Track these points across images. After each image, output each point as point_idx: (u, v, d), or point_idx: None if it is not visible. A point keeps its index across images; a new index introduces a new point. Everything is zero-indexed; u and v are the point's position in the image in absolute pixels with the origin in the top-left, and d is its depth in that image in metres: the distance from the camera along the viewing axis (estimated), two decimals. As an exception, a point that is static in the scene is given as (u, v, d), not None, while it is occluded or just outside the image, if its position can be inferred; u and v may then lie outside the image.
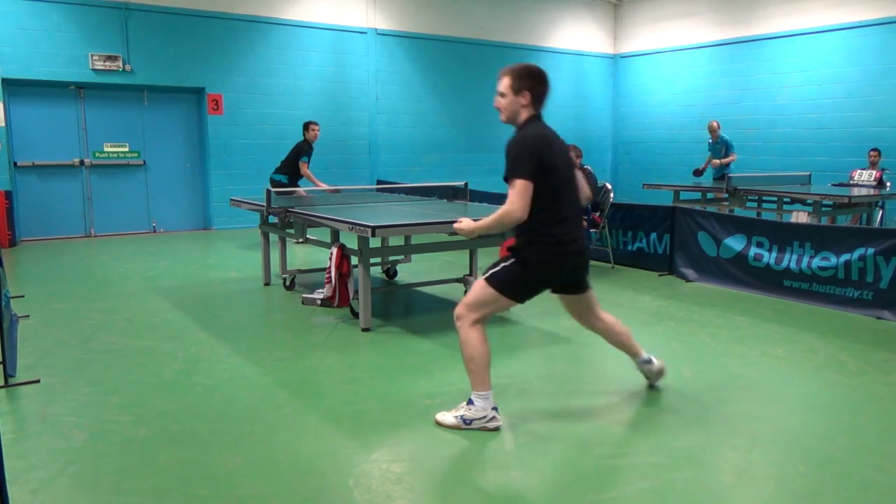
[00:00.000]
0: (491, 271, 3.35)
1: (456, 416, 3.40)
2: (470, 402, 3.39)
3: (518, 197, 3.13)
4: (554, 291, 3.58)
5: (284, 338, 5.05)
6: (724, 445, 3.23)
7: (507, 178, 3.19)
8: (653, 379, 3.95)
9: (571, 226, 3.34)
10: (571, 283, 3.55)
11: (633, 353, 3.87)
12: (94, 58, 9.97)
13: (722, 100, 13.32)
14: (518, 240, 3.37)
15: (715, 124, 11.02)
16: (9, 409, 3.67)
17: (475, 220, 3.38)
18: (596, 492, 2.80)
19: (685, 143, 13.87)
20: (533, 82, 3.30)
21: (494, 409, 3.39)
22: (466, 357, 3.34)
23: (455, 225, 3.47)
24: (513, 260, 3.33)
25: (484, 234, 3.48)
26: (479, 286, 3.35)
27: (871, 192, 9.41)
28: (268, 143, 11.31)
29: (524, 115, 3.33)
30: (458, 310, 3.37)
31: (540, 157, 3.16)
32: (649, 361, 3.88)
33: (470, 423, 3.36)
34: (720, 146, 11.06)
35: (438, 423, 3.43)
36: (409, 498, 2.75)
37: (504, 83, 3.35)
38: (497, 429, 3.37)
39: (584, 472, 2.97)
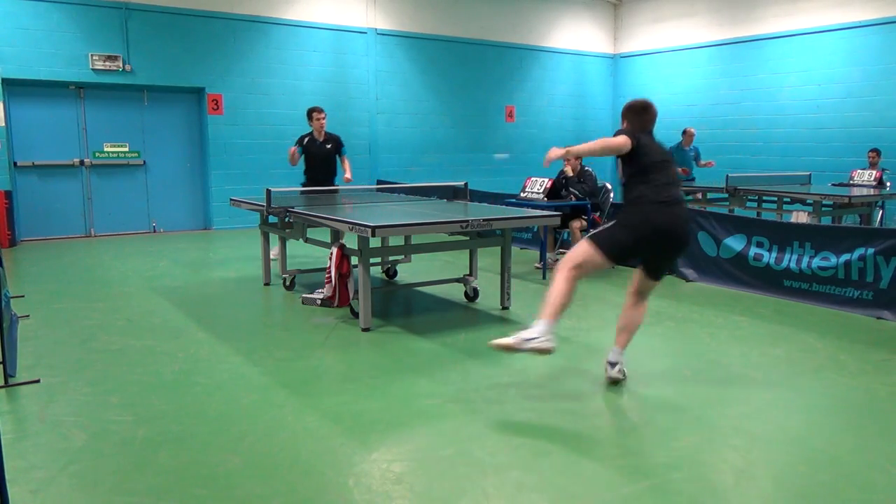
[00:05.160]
0: (594, 231, 3.88)
1: (515, 338, 3.59)
2: (532, 329, 3.60)
3: (620, 138, 3.76)
4: (637, 265, 4.02)
5: (284, 338, 5.05)
6: (724, 445, 3.23)
7: (615, 135, 3.82)
8: (607, 374, 4.07)
9: (669, 195, 3.81)
10: (660, 261, 3.96)
11: (619, 344, 4.07)
12: (94, 58, 9.97)
13: (722, 100, 13.32)
14: (622, 206, 3.88)
15: (693, 131, 11.08)
16: (9, 409, 3.67)
17: (558, 148, 3.90)
18: (596, 492, 2.80)
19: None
20: (629, 114, 4.01)
21: (550, 339, 3.60)
22: (551, 293, 3.70)
23: (554, 154, 3.91)
24: (615, 221, 3.85)
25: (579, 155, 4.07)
26: (582, 243, 3.84)
27: (871, 192, 9.41)
28: (268, 143, 11.31)
29: None
30: (560, 263, 3.82)
31: (639, 137, 3.82)
32: (615, 365, 4.03)
33: (529, 341, 3.58)
34: (691, 152, 11.17)
35: (497, 346, 3.62)
36: (409, 498, 2.75)
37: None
38: (549, 351, 3.58)
39: (583, 472, 2.97)
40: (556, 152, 3.88)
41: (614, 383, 4.02)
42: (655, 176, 3.81)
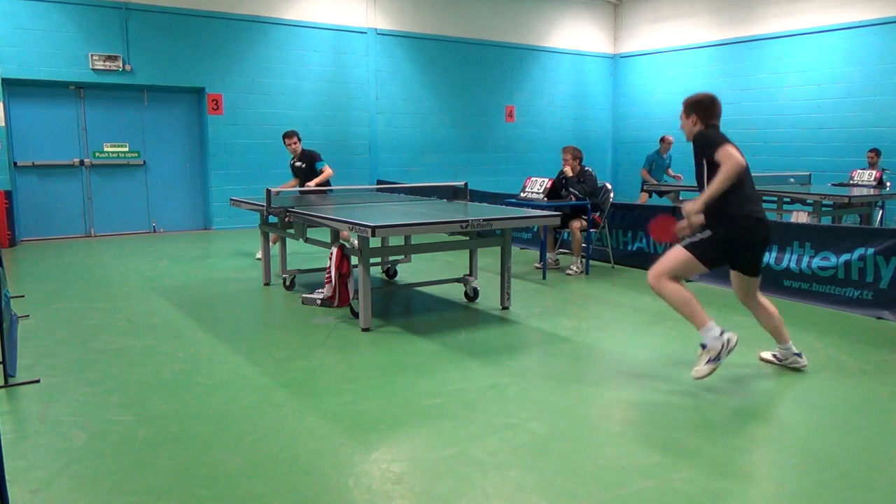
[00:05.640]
0: (689, 241, 3.93)
1: (705, 364, 3.81)
2: (703, 345, 3.84)
3: (733, 153, 3.73)
4: (732, 267, 4.12)
5: (284, 338, 5.05)
6: (724, 445, 3.23)
7: (712, 154, 3.80)
8: (791, 364, 4.28)
9: (757, 205, 3.98)
10: (751, 262, 4.07)
11: (780, 339, 4.26)
12: (94, 58, 9.97)
13: (722, 100, 13.18)
14: (714, 216, 3.87)
15: (671, 139, 11.15)
16: (9, 409, 3.67)
17: (694, 202, 3.88)
18: (596, 491, 2.80)
19: (685, 143, 13.80)
20: (696, 108, 4.06)
21: (723, 332, 3.83)
22: (676, 307, 3.91)
23: (687, 209, 3.92)
24: (710, 233, 3.90)
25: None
26: (675, 252, 3.95)
27: (871, 192, 9.41)
28: (268, 143, 11.31)
29: (698, 129, 4.06)
30: (652, 275, 3.95)
31: (727, 138, 3.89)
32: (799, 354, 4.25)
33: (718, 358, 3.82)
34: (667, 161, 11.30)
35: (699, 378, 3.85)
36: (409, 498, 2.75)
37: (681, 112, 4.19)
38: (735, 344, 3.86)
39: (584, 472, 2.97)
40: (694, 216, 3.88)
41: (802, 368, 4.24)
42: (749, 183, 3.90)
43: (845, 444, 3.25)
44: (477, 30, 13.49)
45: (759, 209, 3.98)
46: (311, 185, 7.77)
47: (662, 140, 11.20)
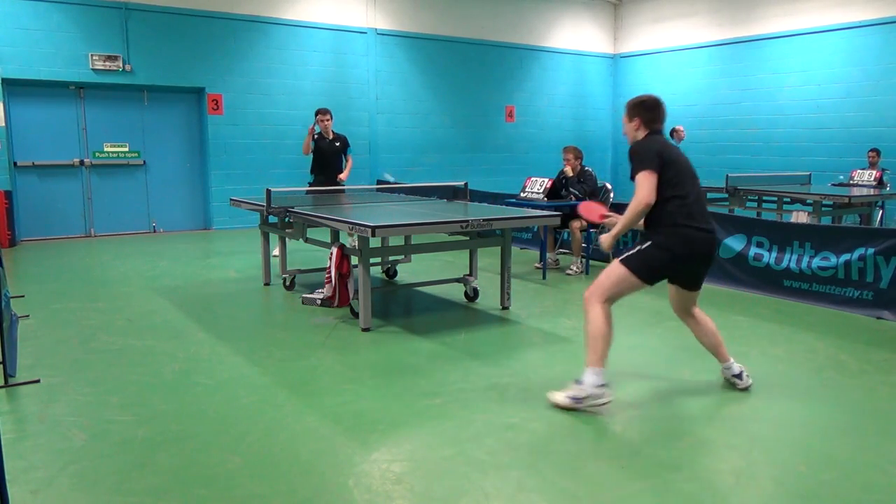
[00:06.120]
0: (626, 254, 3.67)
1: (568, 397, 3.62)
2: (578, 381, 3.61)
3: (645, 186, 3.54)
4: (671, 281, 3.85)
5: (284, 338, 5.05)
6: (724, 445, 3.23)
7: (633, 175, 3.61)
8: (739, 386, 3.96)
9: (704, 217, 3.69)
10: (691, 276, 3.81)
11: (720, 358, 3.99)
12: (94, 58, 9.97)
13: (722, 100, 13.32)
14: (653, 227, 3.68)
15: (682, 128, 11.12)
16: (9, 409, 3.67)
17: (609, 232, 3.76)
18: (596, 492, 2.80)
19: (685, 143, 13.82)
20: (639, 110, 3.80)
21: (604, 385, 3.58)
22: (589, 333, 3.62)
23: (602, 244, 3.84)
24: (648, 243, 3.64)
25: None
26: (612, 267, 3.67)
27: (871, 192, 9.41)
28: (268, 143, 11.32)
29: (641, 134, 3.80)
30: (588, 292, 3.69)
31: (660, 154, 3.62)
32: (738, 376, 3.94)
33: (580, 402, 3.59)
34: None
35: (553, 403, 3.66)
36: (409, 498, 2.75)
37: (624, 115, 3.92)
38: (607, 404, 3.57)
39: (584, 472, 2.97)
40: (608, 241, 3.75)
41: (746, 389, 3.94)
42: (689, 191, 3.63)
43: (845, 444, 3.25)
44: (477, 30, 13.49)
45: (703, 220, 3.66)
46: (343, 177, 8.21)
47: (674, 131, 11.09)
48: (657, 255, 3.61)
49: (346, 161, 8.35)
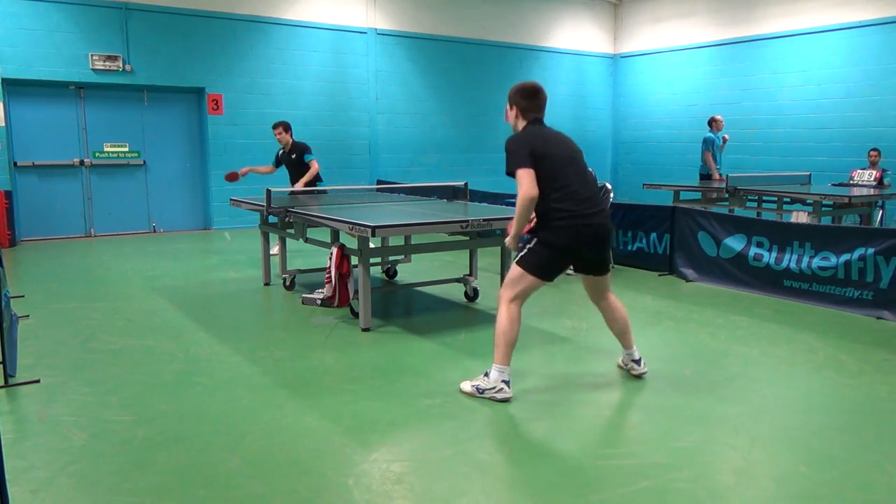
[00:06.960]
0: (519, 254, 3.76)
1: (472, 385, 3.81)
2: (486, 373, 3.79)
3: (524, 182, 3.57)
4: (576, 271, 3.95)
5: (284, 338, 5.05)
6: (724, 445, 3.23)
7: (510, 171, 3.66)
8: (630, 370, 4.18)
9: (586, 203, 3.69)
10: (594, 262, 3.88)
11: (625, 345, 4.14)
12: (94, 58, 9.97)
13: (722, 100, 13.31)
14: (539, 222, 3.72)
15: (721, 117, 11.00)
16: (9, 409, 3.67)
17: (509, 239, 3.82)
18: (596, 492, 2.80)
19: (685, 143, 13.86)
20: (517, 97, 3.81)
21: (506, 382, 3.73)
22: (497, 332, 3.73)
23: (508, 244, 3.86)
24: (535, 241, 3.72)
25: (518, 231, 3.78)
26: (512, 268, 3.78)
27: (871, 192, 9.41)
28: (268, 143, 11.24)
29: (520, 124, 3.84)
30: (501, 290, 3.80)
31: (532, 151, 3.62)
32: (637, 361, 4.13)
33: (482, 392, 3.76)
34: (719, 141, 11.05)
35: (460, 391, 3.85)
36: (409, 498, 2.75)
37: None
38: (505, 400, 3.70)
39: (584, 472, 2.97)
40: (511, 239, 3.78)
41: (640, 377, 4.13)
42: (570, 180, 3.64)
43: (845, 443, 3.25)
44: (477, 30, 13.49)
45: (588, 205, 3.68)
46: (300, 185, 7.80)
47: (713, 120, 10.89)
48: (543, 253, 3.70)
49: (311, 167, 7.91)
